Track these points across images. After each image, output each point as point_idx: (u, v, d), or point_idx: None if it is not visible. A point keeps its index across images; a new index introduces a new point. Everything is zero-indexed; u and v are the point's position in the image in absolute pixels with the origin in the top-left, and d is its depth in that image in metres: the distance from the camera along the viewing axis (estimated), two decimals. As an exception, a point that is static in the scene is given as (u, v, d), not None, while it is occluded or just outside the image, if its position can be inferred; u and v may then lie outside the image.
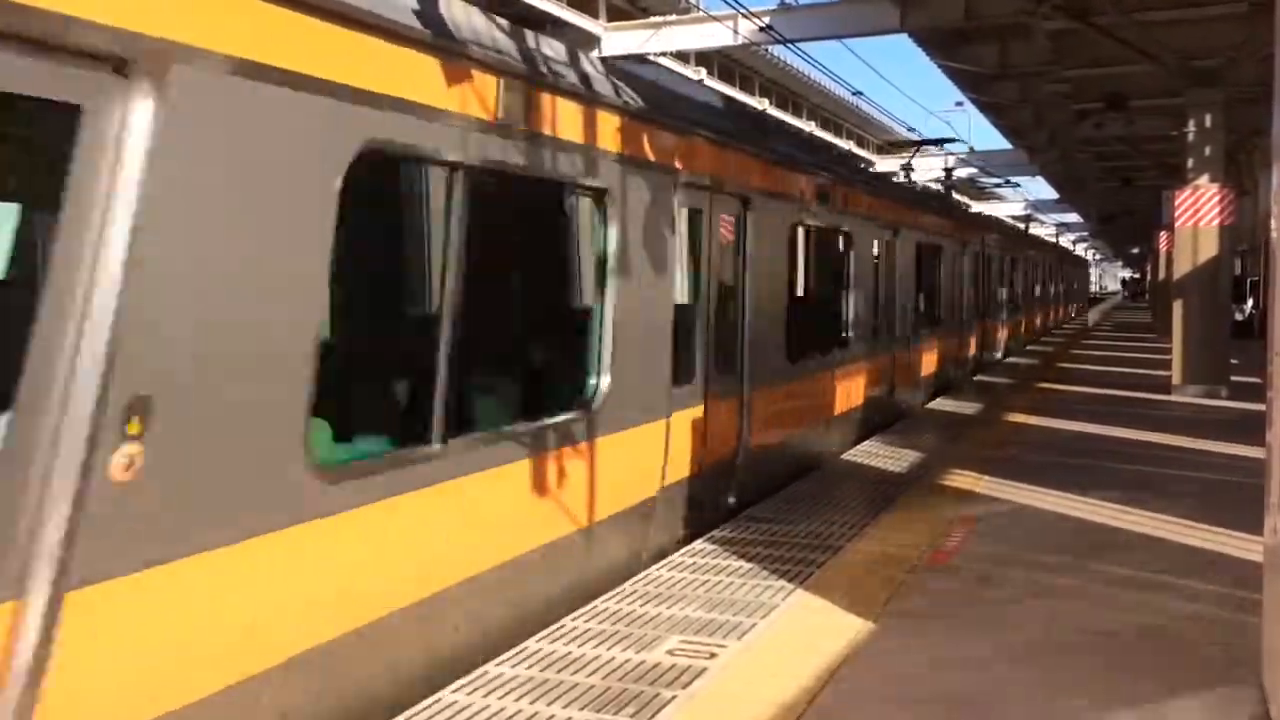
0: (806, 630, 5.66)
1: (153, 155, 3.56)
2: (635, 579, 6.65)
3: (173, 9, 3.63)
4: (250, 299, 4.06)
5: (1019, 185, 42.31)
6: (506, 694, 4.80)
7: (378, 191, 6.01)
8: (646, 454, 7.40)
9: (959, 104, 50.38)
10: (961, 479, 9.81)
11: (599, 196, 6.78)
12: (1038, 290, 35.90)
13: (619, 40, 16.83)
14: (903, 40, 17.41)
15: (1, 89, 3.16)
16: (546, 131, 6.07)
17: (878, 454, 11.45)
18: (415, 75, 4.97)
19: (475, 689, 4.85)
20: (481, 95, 5.46)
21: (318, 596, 4.42)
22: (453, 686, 4.89)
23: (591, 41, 16.55)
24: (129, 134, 3.50)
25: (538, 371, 7.26)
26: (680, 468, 7.89)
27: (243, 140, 3.99)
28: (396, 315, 6.74)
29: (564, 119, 6.27)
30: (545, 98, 6.09)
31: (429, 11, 5.19)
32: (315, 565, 4.39)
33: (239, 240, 4.01)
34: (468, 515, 5.43)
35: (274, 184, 4.16)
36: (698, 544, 7.54)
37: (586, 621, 5.82)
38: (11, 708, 3.17)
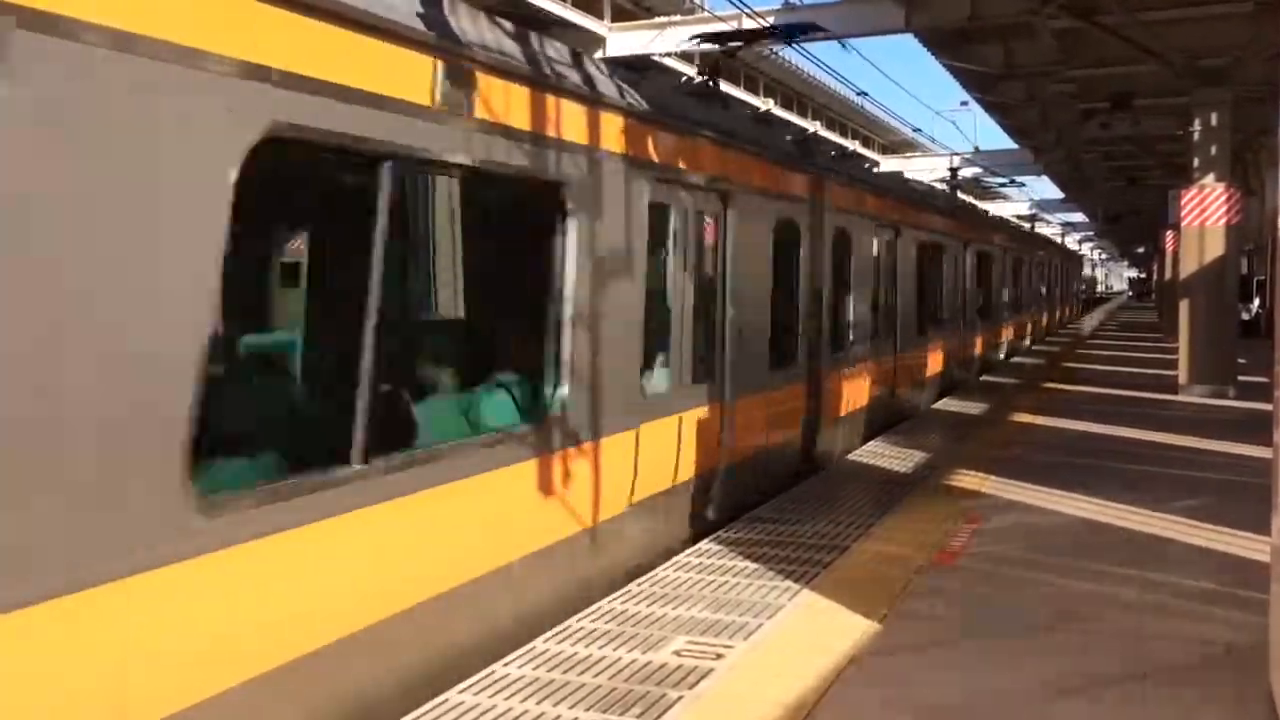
0: (813, 631, 5.67)
1: (732, 229, 8.75)
2: (641, 580, 6.67)
3: (728, 179, 8.68)
4: (755, 295, 9.27)
5: (1024, 185, 42.21)
6: (513, 694, 4.81)
7: (785, 242, 10.46)
8: (848, 387, 12.38)
9: (964, 104, 50.28)
10: (967, 479, 9.81)
11: (845, 235, 12.11)
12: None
13: (623, 41, 16.85)
14: (908, 40, 17.39)
15: (705, 211, 8.51)
16: (846, 206, 12.03)
17: (883, 454, 11.45)
18: (793, 187, 10.43)
19: (482, 689, 4.87)
20: (833, 198, 11.45)
21: (754, 421, 9.40)
22: (460, 687, 4.91)
23: (596, 42, 16.57)
24: (727, 222, 8.68)
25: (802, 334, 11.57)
26: (858, 399, 12.74)
27: (752, 216, 9.15)
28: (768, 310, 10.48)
29: (837, 196, 11.76)
30: (860, 192, 12.78)
31: (805, 153, 11.10)
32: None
33: (749, 264, 9.09)
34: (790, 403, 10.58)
35: (762, 237, 9.45)
36: (703, 544, 7.56)
37: (593, 622, 5.84)
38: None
